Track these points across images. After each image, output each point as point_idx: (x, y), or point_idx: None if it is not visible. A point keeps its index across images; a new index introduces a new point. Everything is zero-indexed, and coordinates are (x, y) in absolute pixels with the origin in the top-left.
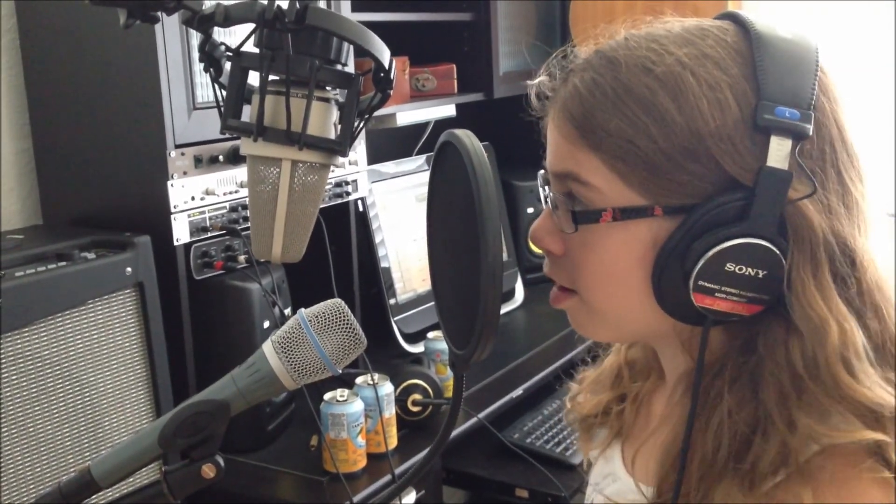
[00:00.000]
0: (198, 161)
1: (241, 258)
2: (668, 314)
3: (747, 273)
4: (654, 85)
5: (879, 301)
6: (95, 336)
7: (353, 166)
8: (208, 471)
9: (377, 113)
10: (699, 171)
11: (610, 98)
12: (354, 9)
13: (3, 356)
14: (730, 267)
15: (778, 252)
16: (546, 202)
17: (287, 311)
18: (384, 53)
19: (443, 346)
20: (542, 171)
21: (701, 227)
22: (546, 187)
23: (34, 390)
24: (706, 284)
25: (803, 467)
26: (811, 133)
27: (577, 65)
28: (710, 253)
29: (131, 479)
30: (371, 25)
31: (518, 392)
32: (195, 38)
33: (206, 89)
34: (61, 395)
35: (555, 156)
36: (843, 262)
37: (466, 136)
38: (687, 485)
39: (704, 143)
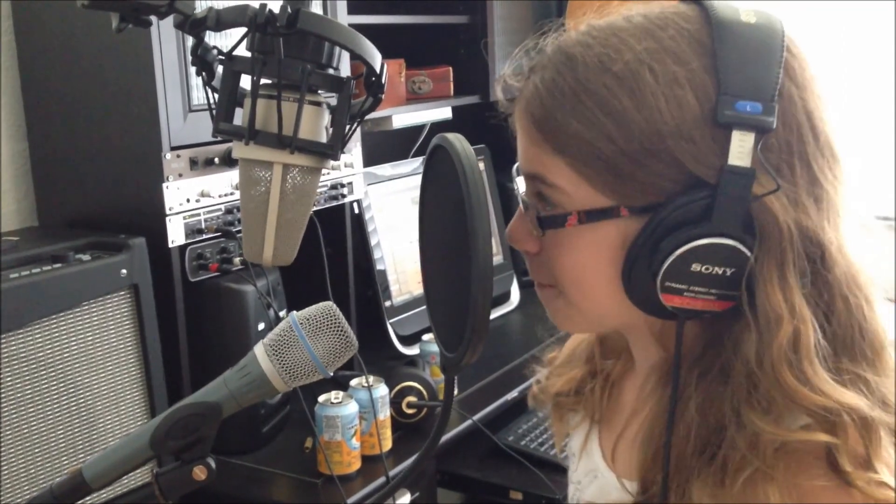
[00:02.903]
0: (193, 163)
1: (237, 260)
2: (642, 311)
3: (714, 272)
4: (612, 83)
5: (850, 292)
6: (90, 338)
7: (349, 169)
8: (200, 473)
9: (373, 115)
10: (662, 171)
11: (568, 99)
12: (351, 11)
13: None
14: (696, 267)
15: (744, 249)
16: (520, 201)
17: (282, 314)
18: (375, 58)
19: (437, 348)
20: (516, 164)
21: (665, 228)
22: (520, 185)
23: (29, 392)
24: (673, 285)
25: (769, 465)
26: (775, 126)
27: (538, 61)
28: (674, 255)
29: (123, 481)
30: (367, 28)
31: (513, 394)
32: (191, 40)
33: (201, 91)
34: (56, 396)
35: (523, 157)
36: (811, 257)
37: (457, 140)
38: (668, 480)
39: (665, 141)
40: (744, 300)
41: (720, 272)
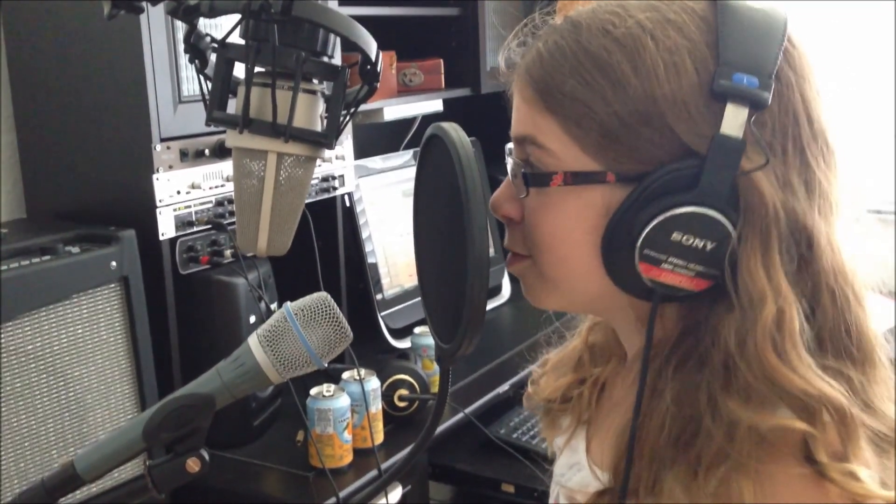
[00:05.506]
0: (183, 155)
1: (227, 253)
2: (617, 286)
3: (694, 244)
4: (613, 47)
5: (837, 286)
6: (80, 330)
7: (340, 161)
8: (193, 465)
9: (364, 107)
10: (653, 137)
11: (569, 60)
12: (342, 2)
13: None
14: (676, 236)
15: (726, 223)
16: (508, 169)
17: (273, 306)
18: (371, 46)
19: (429, 341)
20: (508, 144)
21: (650, 195)
22: (510, 158)
23: (18, 385)
24: (652, 254)
25: (745, 459)
26: (770, 102)
27: (545, 31)
28: (656, 221)
29: (115, 473)
30: (358, 20)
31: (505, 387)
32: (181, 30)
33: (191, 83)
34: (45, 389)
35: (515, 120)
36: (797, 241)
37: (453, 129)
38: (639, 470)
39: (659, 107)
40: (727, 278)
41: (700, 245)
